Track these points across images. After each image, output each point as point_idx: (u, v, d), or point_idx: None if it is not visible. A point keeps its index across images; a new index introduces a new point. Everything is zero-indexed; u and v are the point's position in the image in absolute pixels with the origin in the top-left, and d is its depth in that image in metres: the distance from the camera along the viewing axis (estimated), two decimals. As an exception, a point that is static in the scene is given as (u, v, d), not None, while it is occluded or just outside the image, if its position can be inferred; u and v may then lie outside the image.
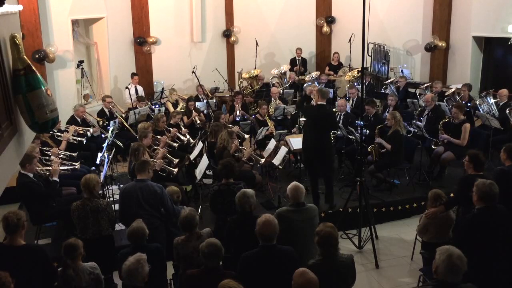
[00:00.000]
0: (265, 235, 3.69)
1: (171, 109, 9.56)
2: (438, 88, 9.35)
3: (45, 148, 6.89)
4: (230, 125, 8.06)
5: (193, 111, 8.97)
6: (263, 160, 7.06)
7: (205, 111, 9.46)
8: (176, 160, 6.81)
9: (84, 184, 4.80)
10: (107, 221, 4.83)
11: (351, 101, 9.21)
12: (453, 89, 9.45)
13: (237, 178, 5.36)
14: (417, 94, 9.61)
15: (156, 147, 6.91)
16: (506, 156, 5.08)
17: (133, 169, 5.59)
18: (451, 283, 3.15)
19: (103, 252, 4.65)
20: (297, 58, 12.17)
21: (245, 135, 7.96)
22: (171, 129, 7.75)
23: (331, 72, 12.05)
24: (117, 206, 5.32)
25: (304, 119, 7.17)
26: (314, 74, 11.38)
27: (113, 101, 9.21)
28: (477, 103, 8.63)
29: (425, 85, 9.93)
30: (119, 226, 5.78)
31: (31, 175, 5.60)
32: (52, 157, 6.55)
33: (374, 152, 7.17)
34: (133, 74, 10.63)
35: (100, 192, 6.10)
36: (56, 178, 5.87)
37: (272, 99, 9.62)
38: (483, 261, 4.01)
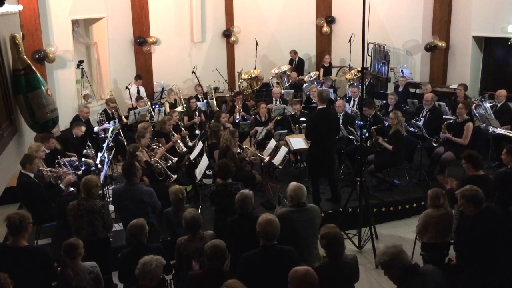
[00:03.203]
0: (266, 234, 3.69)
1: (169, 109, 9.56)
2: (429, 90, 9.28)
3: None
4: (229, 126, 8.06)
5: (197, 115, 8.96)
6: (267, 159, 7.06)
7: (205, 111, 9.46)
8: (175, 159, 6.81)
9: (83, 184, 4.80)
10: (101, 223, 4.76)
11: (352, 101, 9.20)
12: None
13: (236, 178, 5.35)
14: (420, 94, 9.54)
15: (155, 146, 6.91)
16: (508, 157, 5.07)
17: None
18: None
19: (98, 254, 4.55)
20: (294, 59, 12.08)
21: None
22: (174, 134, 7.75)
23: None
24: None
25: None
26: (313, 74, 11.36)
27: (116, 105, 9.22)
28: (475, 104, 8.61)
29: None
30: (119, 226, 5.78)
31: (31, 175, 5.59)
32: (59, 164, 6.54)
33: (374, 145, 7.14)
34: (137, 77, 10.63)
35: (100, 192, 6.10)
36: (63, 186, 5.91)
37: (273, 99, 9.58)
38: (483, 262, 4.01)
